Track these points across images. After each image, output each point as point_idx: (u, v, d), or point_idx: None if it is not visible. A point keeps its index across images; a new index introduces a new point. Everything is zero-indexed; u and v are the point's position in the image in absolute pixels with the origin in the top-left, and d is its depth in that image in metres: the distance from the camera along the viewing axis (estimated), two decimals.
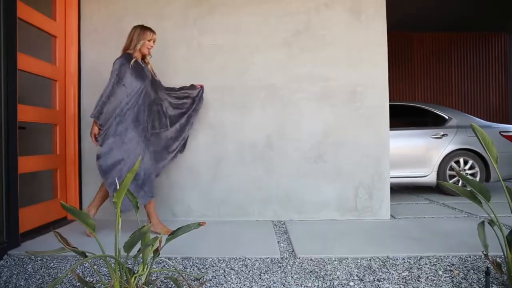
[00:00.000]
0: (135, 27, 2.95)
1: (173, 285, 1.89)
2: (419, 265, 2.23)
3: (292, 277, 2.07)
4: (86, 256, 1.66)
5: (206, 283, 1.98)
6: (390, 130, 3.52)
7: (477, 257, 2.33)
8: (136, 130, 2.82)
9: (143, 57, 3.00)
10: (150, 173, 2.87)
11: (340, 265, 2.23)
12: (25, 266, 2.25)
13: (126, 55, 2.88)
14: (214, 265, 2.26)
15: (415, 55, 8.73)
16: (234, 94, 3.50)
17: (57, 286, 1.94)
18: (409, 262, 2.27)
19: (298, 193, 3.47)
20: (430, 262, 2.26)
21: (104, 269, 2.20)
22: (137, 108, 2.84)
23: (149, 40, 2.93)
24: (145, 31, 2.93)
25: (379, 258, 2.34)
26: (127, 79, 2.82)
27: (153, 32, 2.97)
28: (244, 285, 1.97)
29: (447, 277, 2.05)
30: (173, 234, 1.80)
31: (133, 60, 2.86)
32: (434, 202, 4.34)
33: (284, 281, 2.00)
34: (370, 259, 2.33)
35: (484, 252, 1.94)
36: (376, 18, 3.48)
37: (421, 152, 4.73)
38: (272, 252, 2.47)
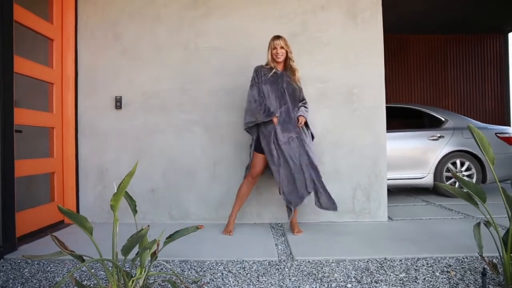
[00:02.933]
0: None
1: None
2: (416, 266, 2.24)
3: (290, 279, 2.07)
4: (83, 260, 1.65)
5: (204, 286, 1.98)
6: (387, 132, 3.53)
7: (474, 258, 2.35)
8: None
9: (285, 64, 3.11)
10: None
11: (337, 267, 2.24)
12: (21, 270, 2.24)
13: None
14: (212, 267, 2.26)
15: (411, 57, 8.76)
16: (231, 96, 3.50)
17: None
18: (406, 264, 2.28)
19: None
20: (427, 264, 2.27)
21: (102, 272, 2.19)
22: None
23: (273, 48, 3.02)
24: (270, 41, 3.06)
25: (376, 260, 2.35)
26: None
27: (275, 38, 3.02)
28: (242, 287, 1.97)
29: (444, 278, 2.06)
30: (171, 237, 1.80)
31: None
32: (431, 204, 4.36)
33: (282, 284, 2.01)
34: (367, 261, 2.34)
35: (480, 253, 1.95)
36: (372, 20, 3.50)
37: (418, 154, 4.75)
38: (270, 255, 2.48)
